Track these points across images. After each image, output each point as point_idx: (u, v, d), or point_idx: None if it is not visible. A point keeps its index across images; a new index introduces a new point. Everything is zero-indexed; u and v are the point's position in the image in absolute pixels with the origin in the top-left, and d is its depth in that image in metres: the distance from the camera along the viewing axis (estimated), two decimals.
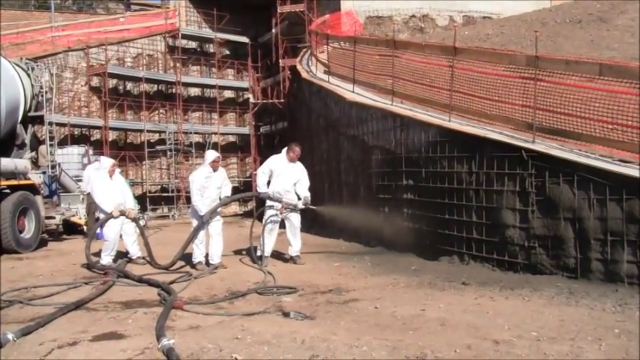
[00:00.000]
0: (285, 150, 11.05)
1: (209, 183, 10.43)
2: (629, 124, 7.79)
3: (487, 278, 8.42)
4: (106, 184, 11.10)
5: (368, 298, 7.48)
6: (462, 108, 10.69)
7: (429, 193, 10.52)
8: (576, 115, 8.50)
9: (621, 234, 7.25)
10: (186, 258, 10.76)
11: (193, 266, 10.45)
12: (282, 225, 10.97)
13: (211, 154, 10.69)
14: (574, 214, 7.80)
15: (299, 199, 10.80)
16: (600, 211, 7.48)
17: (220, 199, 10.65)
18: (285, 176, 10.79)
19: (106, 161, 11.58)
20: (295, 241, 10.86)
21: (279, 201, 10.64)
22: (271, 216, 10.78)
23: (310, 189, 10.96)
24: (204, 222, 10.39)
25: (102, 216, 11.14)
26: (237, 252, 11.56)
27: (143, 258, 11.28)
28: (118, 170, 11.61)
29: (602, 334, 5.42)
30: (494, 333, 5.56)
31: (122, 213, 10.97)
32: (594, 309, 6.41)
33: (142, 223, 12.49)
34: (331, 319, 6.46)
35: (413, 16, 25.51)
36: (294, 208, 10.74)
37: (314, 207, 11.18)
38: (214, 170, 10.51)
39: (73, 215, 17.62)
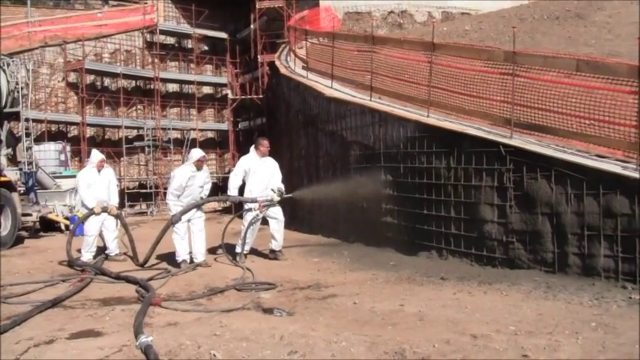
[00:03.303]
0: (253, 147, 10.96)
1: (192, 182, 10.16)
2: (606, 120, 7.85)
3: (465, 273, 8.47)
4: (92, 179, 11.00)
5: (347, 294, 7.49)
6: (441, 103, 10.71)
7: (408, 189, 10.54)
8: (554, 111, 8.55)
9: (598, 228, 7.31)
10: (168, 256, 10.67)
11: (178, 265, 10.23)
12: (264, 221, 10.89)
13: (196, 153, 10.38)
14: (551, 209, 7.86)
15: (273, 192, 10.70)
16: (577, 206, 7.54)
17: (202, 198, 10.51)
18: (260, 173, 10.69)
19: (96, 156, 11.42)
20: (279, 235, 10.76)
21: (254, 201, 10.54)
22: (253, 218, 10.65)
23: (285, 183, 10.90)
24: (173, 222, 10.09)
25: (85, 211, 11.06)
26: (212, 251, 11.48)
27: (124, 254, 11.20)
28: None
29: (579, 327, 5.46)
30: (472, 327, 5.59)
31: (104, 210, 10.87)
32: (571, 303, 6.47)
33: None
34: (310, 314, 6.47)
35: (391, 11, 25.54)
36: (271, 203, 10.64)
37: (290, 195, 11.13)
38: (198, 169, 10.26)
39: (50, 212, 17.46)
